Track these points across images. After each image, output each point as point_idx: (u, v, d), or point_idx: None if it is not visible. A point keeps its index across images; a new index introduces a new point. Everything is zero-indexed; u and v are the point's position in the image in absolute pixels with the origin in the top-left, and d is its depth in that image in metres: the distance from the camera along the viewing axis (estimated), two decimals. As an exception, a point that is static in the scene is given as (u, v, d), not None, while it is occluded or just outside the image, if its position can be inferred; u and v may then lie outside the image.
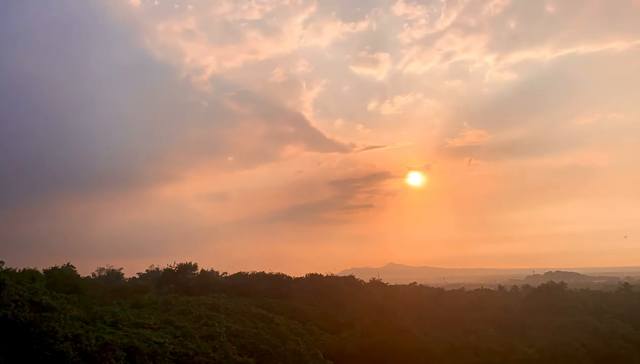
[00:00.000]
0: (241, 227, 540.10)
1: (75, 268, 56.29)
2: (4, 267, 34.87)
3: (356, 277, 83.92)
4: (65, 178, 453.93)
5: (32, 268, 44.71)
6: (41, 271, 47.66)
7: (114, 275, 78.72)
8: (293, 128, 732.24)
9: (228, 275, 78.88)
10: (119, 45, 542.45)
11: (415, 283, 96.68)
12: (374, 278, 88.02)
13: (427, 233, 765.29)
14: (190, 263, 70.40)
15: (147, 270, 79.85)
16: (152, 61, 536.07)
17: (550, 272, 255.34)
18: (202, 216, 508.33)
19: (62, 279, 45.63)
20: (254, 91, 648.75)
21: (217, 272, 79.11)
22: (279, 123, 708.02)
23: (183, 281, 66.46)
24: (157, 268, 77.22)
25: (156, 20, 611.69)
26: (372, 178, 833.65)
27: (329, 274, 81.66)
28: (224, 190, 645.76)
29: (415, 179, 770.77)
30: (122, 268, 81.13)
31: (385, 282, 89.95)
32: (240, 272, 78.37)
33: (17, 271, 39.46)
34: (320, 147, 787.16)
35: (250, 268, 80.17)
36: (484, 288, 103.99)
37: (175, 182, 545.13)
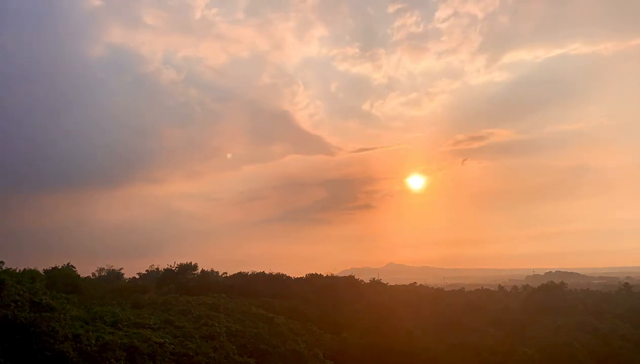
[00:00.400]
0: (238, 228, 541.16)
1: (75, 268, 56.32)
2: (4, 267, 34.92)
3: (356, 277, 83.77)
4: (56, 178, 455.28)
5: (32, 268, 44.81)
6: (41, 271, 47.72)
7: (114, 275, 78.73)
8: (284, 129, 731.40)
9: (228, 275, 78.87)
10: (89, 40, 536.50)
11: (415, 283, 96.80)
12: (374, 278, 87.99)
13: (427, 233, 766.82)
14: (190, 263, 70.36)
15: (147, 270, 79.87)
16: (131, 58, 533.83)
17: (550, 272, 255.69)
18: (193, 217, 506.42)
19: (62, 279, 45.68)
20: (242, 91, 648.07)
21: (217, 272, 79.10)
22: (269, 124, 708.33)
23: (183, 281, 66.41)
24: (157, 268, 77.21)
25: (132, 13, 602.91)
26: (370, 178, 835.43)
27: (329, 274, 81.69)
28: (217, 191, 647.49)
29: (413, 179, 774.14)
30: (122, 268, 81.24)
31: (385, 282, 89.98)
32: (240, 272, 78.32)
33: (17, 271, 39.52)
34: (315, 148, 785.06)
35: (250, 268, 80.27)
36: (484, 288, 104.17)
37: (160, 183, 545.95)
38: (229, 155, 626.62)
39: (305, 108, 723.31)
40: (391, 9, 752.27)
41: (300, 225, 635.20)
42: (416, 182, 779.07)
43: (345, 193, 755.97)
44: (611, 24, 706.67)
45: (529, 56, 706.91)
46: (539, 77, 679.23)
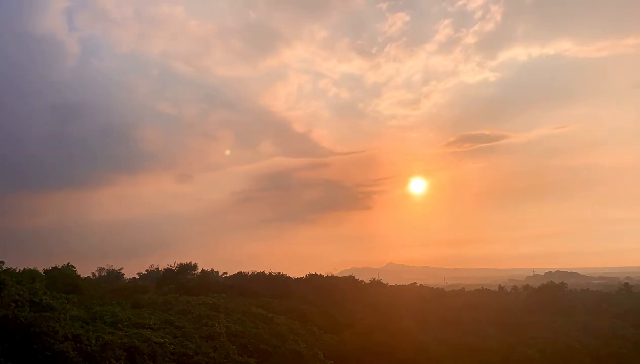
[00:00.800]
0: (234, 228, 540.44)
1: (75, 268, 56.34)
2: (4, 267, 34.93)
3: (356, 277, 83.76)
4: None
5: (32, 268, 44.83)
6: (41, 271, 47.73)
7: (114, 275, 78.81)
8: (275, 129, 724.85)
9: (228, 275, 78.90)
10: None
11: (415, 283, 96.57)
12: (374, 278, 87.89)
13: (427, 233, 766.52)
14: (190, 263, 70.42)
15: (147, 270, 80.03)
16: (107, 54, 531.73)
17: (550, 272, 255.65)
18: (187, 217, 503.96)
19: (62, 279, 45.69)
20: (230, 90, 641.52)
21: (217, 272, 79.19)
22: (259, 124, 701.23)
23: (183, 281, 66.42)
24: (157, 268, 77.34)
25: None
26: (368, 179, 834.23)
27: (329, 274, 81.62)
28: (209, 191, 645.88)
29: (411, 179, 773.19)
30: (122, 268, 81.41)
31: (385, 282, 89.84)
32: (240, 272, 78.32)
33: (17, 271, 39.53)
34: (309, 149, 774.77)
35: (249, 268, 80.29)
36: (484, 288, 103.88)
37: (148, 184, 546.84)
38: (227, 152, 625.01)
39: (298, 108, 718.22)
40: (384, 7, 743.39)
41: (299, 225, 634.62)
42: (414, 182, 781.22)
43: (343, 194, 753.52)
44: (605, 24, 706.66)
45: (524, 56, 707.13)
46: (536, 76, 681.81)
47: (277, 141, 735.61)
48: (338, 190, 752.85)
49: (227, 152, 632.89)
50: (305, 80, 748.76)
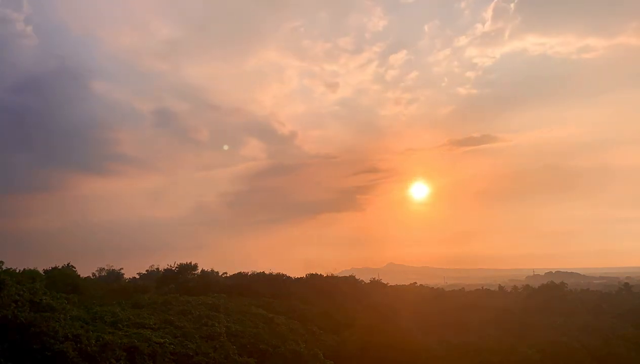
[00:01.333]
0: (229, 229, 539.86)
1: (75, 268, 56.32)
2: (4, 267, 34.87)
3: (356, 277, 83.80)
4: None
5: (32, 268, 44.84)
6: (41, 271, 47.73)
7: (114, 275, 78.76)
8: (262, 130, 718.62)
9: (228, 275, 78.84)
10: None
11: (415, 283, 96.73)
12: (374, 278, 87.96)
13: (427, 233, 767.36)
14: (190, 263, 70.37)
15: (147, 270, 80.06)
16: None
17: (550, 272, 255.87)
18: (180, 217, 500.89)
19: (62, 279, 45.70)
20: (214, 90, 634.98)
21: (217, 272, 79.06)
22: (244, 124, 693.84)
23: (183, 281, 66.36)
24: (157, 268, 77.33)
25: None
26: (365, 179, 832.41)
27: (329, 274, 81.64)
28: (204, 193, 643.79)
29: (410, 180, 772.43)
30: (122, 268, 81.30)
31: (385, 282, 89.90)
32: (240, 272, 78.28)
33: (17, 271, 39.53)
34: (300, 149, 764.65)
35: (248, 268, 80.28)
36: (484, 288, 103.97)
37: (131, 184, 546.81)
38: (225, 147, 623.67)
39: (284, 107, 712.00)
40: (372, 4, 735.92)
41: (301, 225, 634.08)
42: (412, 182, 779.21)
43: (338, 194, 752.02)
44: (598, 23, 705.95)
45: (517, 56, 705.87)
46: (529, 77, 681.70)
47: (263, 142, 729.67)
48: (334, 190, 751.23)
49: (225, 147, 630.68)
50: (291, 80, 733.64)
